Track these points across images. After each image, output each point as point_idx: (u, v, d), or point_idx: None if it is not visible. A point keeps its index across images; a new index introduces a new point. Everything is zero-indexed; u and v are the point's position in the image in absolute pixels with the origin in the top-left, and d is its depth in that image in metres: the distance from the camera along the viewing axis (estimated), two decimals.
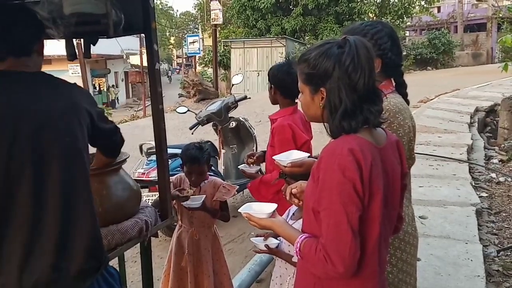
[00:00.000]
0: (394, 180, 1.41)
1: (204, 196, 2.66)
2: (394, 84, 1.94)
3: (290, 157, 1.83)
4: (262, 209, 1.55)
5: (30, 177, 1.38)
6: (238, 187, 2.84)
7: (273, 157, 1.90)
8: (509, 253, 3.82)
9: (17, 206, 1.37)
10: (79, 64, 20.39)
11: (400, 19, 23.27)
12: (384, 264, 1.44)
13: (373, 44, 1.82)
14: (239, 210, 1.58)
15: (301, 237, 1.38)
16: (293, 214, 2.04)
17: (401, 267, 1.86)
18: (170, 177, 2.86)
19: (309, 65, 1.37)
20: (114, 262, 2.08)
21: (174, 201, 2.71)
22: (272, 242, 1.87)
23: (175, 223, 2.91)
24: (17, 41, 1.49)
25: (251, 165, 2.97)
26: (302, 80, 1.42)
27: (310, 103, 1.42)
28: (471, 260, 3.52)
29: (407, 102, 1.96)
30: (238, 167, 3.08)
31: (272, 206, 1.55)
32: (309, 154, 1.87)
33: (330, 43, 1.37)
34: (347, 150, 1.27)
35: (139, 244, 2.16)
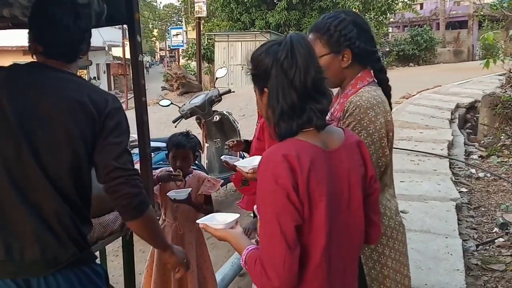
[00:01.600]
0: (350, 184, 1.32)
1: (190, 189, 2.64)
2: (372, 73, 1.87)
3: (253, 163, 1.78)
4: (225, 220, 1.48)
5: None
6: (222, 181, 2.82)
7: (235, 163, 1.87)
8: (488, 248, 3.90)
9: None
10: None
11: (383, 15, 23.41)
12: (339, 276, 1.34)
13: (338, 36, 1.78)
14: (197, 221, 1.51)
15: (247, 248, 1.31)
16: None
17: (385, 262, 1.82)
18: (154, 171, 2.85)
19: (252, 65, 1.34)
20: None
21: (158, 195, 2.69)
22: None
23: (158, 217, 2.89)
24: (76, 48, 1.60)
25: (231, 150, 2.94)
26: (252, 80, 1.37)
27: (260, 105, 1.37)
28: (451, 254, 3.57)
29: (388, 88, 1.88)
30: (221, 157, 3.06)
31: (232, 217, 1.48)
32: None
33: (273, 41, 1.33)
34: (280, 156, 1.20)
35: (120, 238, 2.13)
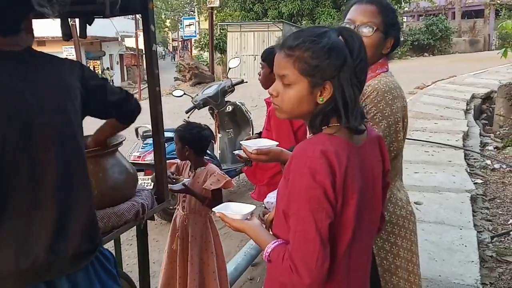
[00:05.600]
0: (374, 180, 1.32)
1: (188, 179, 2.67)
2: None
3: (258, 144, 1.79)
4: (240, 210, 1.45)
5: (27, 162, 1.35)
6: (229, 178, 2.79)
7: (241, 142, 1.86)
8: (503, 239, 3.86)
9: (15, 191, 1.34)
10: (73, 46, 20.20)
11: (398, 4, 23.12)
12: (359, 270, 1.34)
13: (394, 22, 1.79)
14: (213, 209, 1.49)
15: (273, 243, 1.28)
16: None
17: (397, 252, 1.82)
18: (175, 161, 2.87)
19: (314, 55, 1.21)
20: (110, 245, 2.08)
21: None
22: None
23: (173, 207, 2.91)
24: (2, 19, 1.40)
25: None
26: (300, 70, 1.23)
27: (306, 97, 1.25)
28: (465, 246, 3.54)
29: None
30: (234, 152, 3.07)
31: (248, 208, 1.44)
32: (277, 143, 1.81)
33: (330, 32, 1.25)
34: (319, 152, 1.17)
35: (135, 227, 2.15)
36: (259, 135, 3.00)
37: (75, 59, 1.62)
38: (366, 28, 1.75)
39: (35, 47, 1.51)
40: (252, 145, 1.77)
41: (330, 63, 1.21)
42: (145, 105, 1.93)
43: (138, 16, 2.01)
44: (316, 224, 1.15)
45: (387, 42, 1.80)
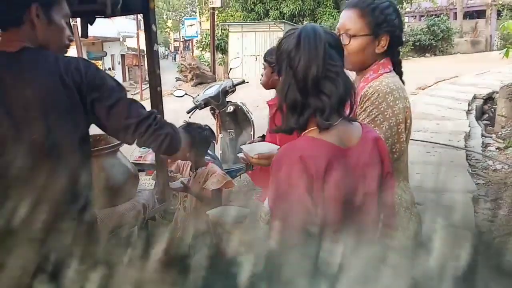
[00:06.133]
0: (367, 183, 1.29)
1: (187, 178, 2.68)
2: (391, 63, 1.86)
3: (259, 148, 1.79)
4: (236, 213, 1.47)
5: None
6: (230, 178, 2.79)
7: (241, 146, 1.86)
8: (505, 241, 3.84)
9: None
10: (75, 46, 20.22)
11: (400, 5, 23.11)
12: None
13: (383, 19, 1.75)
14: (207, 213, 1.52)
15: None
16: None
17: None
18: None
19: (274, 54, 1.31)
20: None
21: None
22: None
23: (173, 207, 2.91)
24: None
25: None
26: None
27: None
28: None
29: (402, 82, 1.87)
30: (238, 155, 3.06)
31: (241, 212, 1.49)
32: (278, 147, 1.82)
33: (293, 29, 1.29)
34: (296, 157, 1.17)
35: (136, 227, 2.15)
36: (263, 138, 2.98)
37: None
38: (344, 37, 1.74)
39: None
40: (252, 149, 1.77)
41: (276, 57, 1.29)
42: (146, 105, 1.92)
43: (139, 16, 2.00)
44: (292, 227, 1.15)
45: (380, 41, 1.76)
